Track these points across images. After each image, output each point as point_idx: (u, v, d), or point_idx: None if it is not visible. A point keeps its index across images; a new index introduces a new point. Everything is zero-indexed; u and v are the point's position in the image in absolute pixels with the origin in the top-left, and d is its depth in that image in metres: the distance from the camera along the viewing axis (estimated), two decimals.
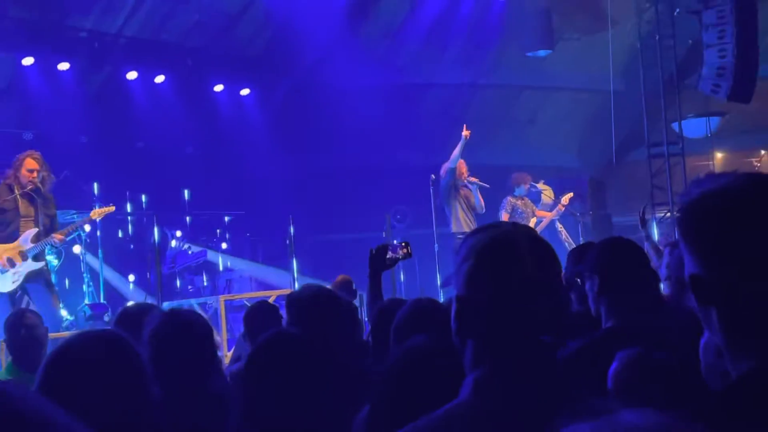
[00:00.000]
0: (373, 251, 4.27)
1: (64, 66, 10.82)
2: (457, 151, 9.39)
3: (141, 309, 4.19)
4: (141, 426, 2.15)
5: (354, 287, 7.08)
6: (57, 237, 7.40)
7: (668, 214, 12.51)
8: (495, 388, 1.51)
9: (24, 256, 7.19)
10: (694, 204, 1.38)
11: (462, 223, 9.35)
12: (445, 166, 9.47)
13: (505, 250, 1.57)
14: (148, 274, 10.59)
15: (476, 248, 1.58)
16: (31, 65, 10.64)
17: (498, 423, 1.48)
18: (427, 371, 2.04)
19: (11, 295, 7.05)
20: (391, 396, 2.11)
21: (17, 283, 7.14)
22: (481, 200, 9.60)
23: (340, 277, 7.11)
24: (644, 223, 6.67)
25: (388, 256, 4.27)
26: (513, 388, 1.51)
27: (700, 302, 1.39)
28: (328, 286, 5.02)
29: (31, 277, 7.22)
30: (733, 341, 1.36)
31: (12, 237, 7.19)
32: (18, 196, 7.25)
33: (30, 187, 7.27)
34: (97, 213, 8.02)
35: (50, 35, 10.61)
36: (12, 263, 7.13)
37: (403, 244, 4.56)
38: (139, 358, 2.33)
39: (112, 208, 8.18)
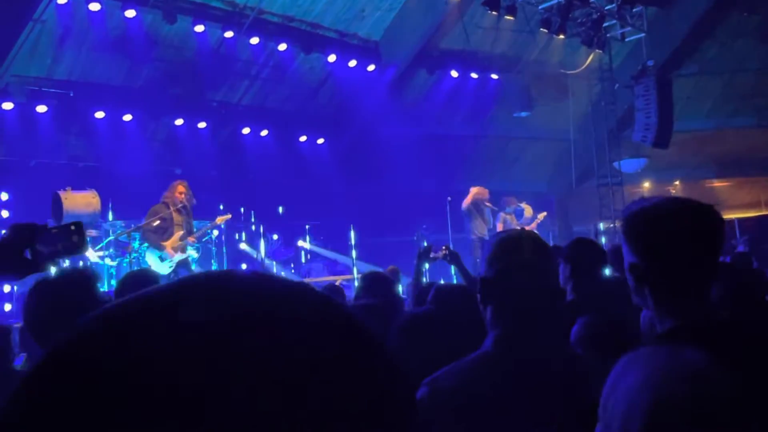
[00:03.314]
0: (421, 250, 4.06)
1: (202, 125, 10.95)
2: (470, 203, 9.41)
3: None
4: None
5: (400, 275, 6.74)
6: (191, 239, 7.46)
7: (611, 225, 12.40)
8: (507, 342, 1.47)
9: (176, 250, 7.31)
10: (633, 215, 1.39)
11: (479, 231, 9.30)
12: (468, 200, 9.43)
13: (510, 244, 1.53)
14: (255, 263, 10.70)
15: (493, 244, 1.56)
16: (181, 125, 10.81)
17: (509, 367, 1.44)
18: (423, 329, 1.98)
19: (167, 276, 7.14)
20: (399, 345, 2.00)
21: (172, 269, 7.28)
22: (490, 218, 9.63)
23: (390, 267, 6.79)
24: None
25: (431, 255, 4.04)
26: (520, 342, 1.46)
27: (636, 282, 1.38)
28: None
29: (179, 265, 7.33)
30: (660, 308, 1.36)
31: (168, 238, 7.29)
32: (172, 211, 7.30)
33: (181, 204, 7.31)
34: (220, 219, 7.91)
35: (193, 104, 10.78)
36: (171, 255, 7.27)
37: (444, 247, 4.03)
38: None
39: (230, 216, 8.04)
